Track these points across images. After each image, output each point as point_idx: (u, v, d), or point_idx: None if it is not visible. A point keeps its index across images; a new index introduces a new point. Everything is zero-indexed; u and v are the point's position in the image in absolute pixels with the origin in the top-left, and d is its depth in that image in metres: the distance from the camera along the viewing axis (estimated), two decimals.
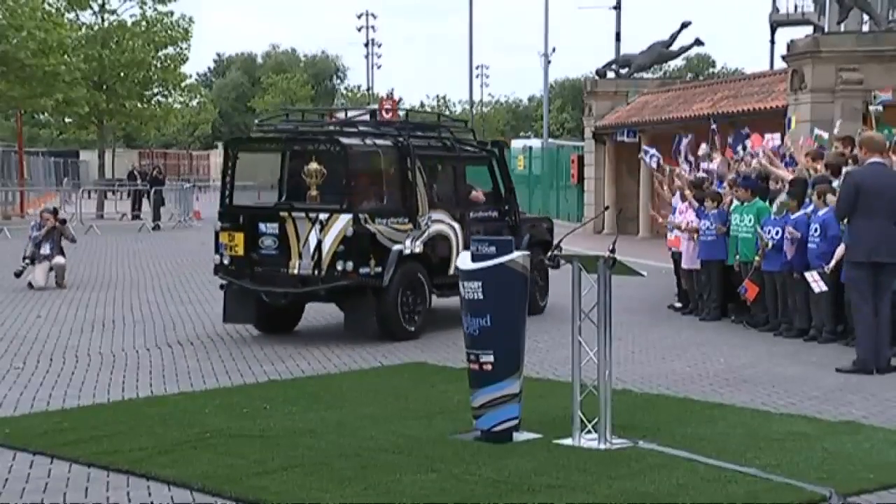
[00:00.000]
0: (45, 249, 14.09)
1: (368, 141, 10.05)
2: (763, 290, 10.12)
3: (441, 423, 6.33)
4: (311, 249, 9.47)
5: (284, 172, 10.65)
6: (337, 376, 8.13)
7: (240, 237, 9.79)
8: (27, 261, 14.07)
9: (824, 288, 9.09)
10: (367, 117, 11.42)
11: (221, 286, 10.12)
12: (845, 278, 8.57)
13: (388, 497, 4.97)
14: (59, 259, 14.13)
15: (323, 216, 9.46)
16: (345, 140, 9.79)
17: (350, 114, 12.18)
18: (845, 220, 8.44)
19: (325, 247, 9.41)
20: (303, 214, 9.55)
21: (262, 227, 9.72)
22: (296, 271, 9.56)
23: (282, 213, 9.70)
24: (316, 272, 9.47)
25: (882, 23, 19.20)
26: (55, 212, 15.12)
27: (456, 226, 10.30)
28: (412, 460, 5.54)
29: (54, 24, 27.29)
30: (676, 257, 11.83)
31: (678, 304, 11.88)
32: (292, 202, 9.93)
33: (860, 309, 8.29)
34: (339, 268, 9.38)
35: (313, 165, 9.63)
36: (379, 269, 9.50)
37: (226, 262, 9.90)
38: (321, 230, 9.44)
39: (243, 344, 9.64)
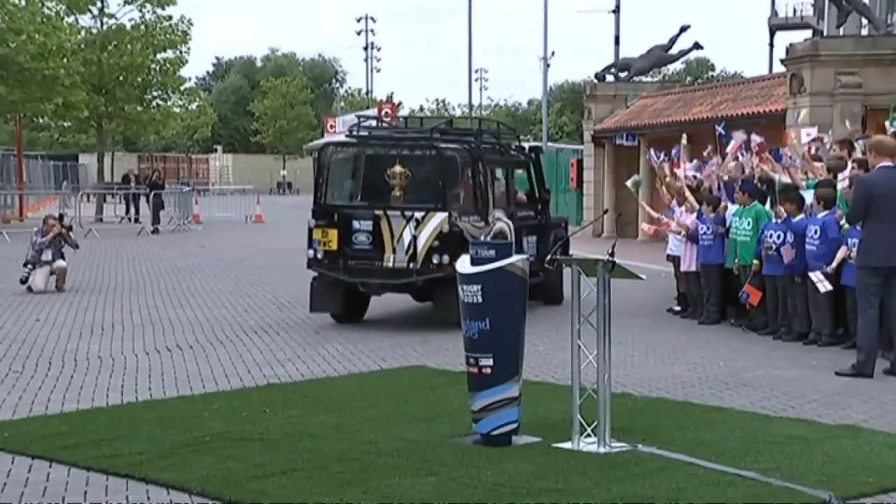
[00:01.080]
0: (47, 255, 14.08)
1: (453, 146, 11.06)
2: (764, 294, 10.13)
3: (440, 427, 6.32)
4: (406, 244, 10.41)
5: (361, 175, 11.37)
6: (336, 380, 8.13)
7: (333, 233, 10.66)
8: (29, 266, 14.04)
9: (829, 287, 9.12)
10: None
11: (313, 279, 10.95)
12: (855, 282, 8.54)
13: (388, 500, 4.96)
14: (59, 262, 14.14)
15: (418, 214, 10.38)
16: (441, 145, 10.84)
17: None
18: (858, 226, 8.42)
19: (421, 242, 10.37)
20: (398, 213, 10.45)
21: (356, 224, 10.62)
22: (390, 264, 10.45)
23: (376, 212, 10.54)
24: (411, 265, 10.40)
25: (881, 27, 19.24)
26: (61, 218, 15.11)
27: (510, 223, 11.05)
28: (411, 464, 5.53)
29: (53, 27, 27.31)
30: (676, 261, 11.83)
31: (677, 308, 11.88)
32: (385, 202, 10.66)
33: (866, 313, 8.27)
34: (435, 261, 10.32)
35: (398, 168, 10.55)
36: None
37: (319, 256, 10.75)
38: (416, 227, 10.39)
39: (242, 348, 9.64)
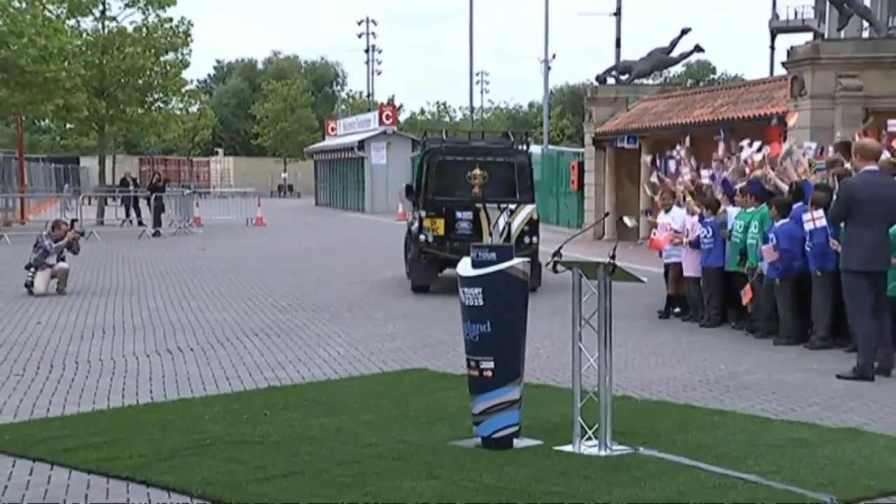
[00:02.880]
0: (52, 259, 14.04)
1: (521, 154, 14.39)
2: (756, 295, 10.19)
3: (441, 430, 6.32)
4: (501, 229, 13.66)
5: (454, 175, 14.12)
6: (337, 382, 8.13)
7: (440, 222, 13.90)
8: (32, 269, 14.00)
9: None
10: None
11: (420, 258, 14.07)
12: (843, 287, 8.56)
13: (388, 503, 4.97)
14: (61, 265, 14.11)
15: (512, 206, 13.81)
16: (517, 153, 14.30)
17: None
18: (841, 226, 8.46)
19: (514, 227, 13.77)
20: (495, 205, 13.80)
21: (458, 214, 13.88)
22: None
23: (476, 205, 13.79)
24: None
25: (882, 30, 19.23)
26: (72, 224, 15.09)
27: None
28: (412, 467, 5.53)
29: (55, 30, 27.31)
30: (668, 267, 11.79)
31: (676, 310, 11.84)
32: (484, 197, 13.89)
33: (858, 317, 8.29)
34: (526, 241, 13.67)
35: (478, 171, 13.87)
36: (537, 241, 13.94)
37: (429, 240, 13.91)
38: (510, 215, 13.76)
39: (243, 350, 9.64)
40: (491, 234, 13.54)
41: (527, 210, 13.86)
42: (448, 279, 12.63)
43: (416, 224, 14.16)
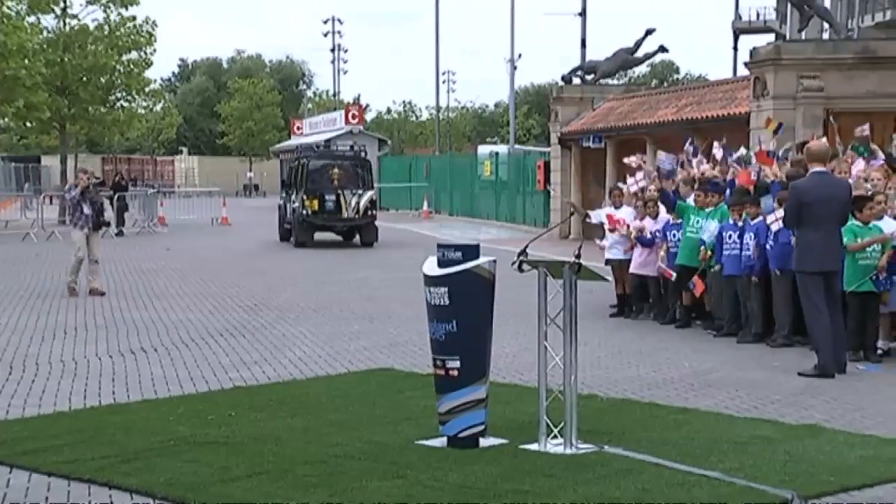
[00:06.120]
0: (87, 209, 13.82)
1: (364, 157, 23.81)
2: (708, 292, 10.34)
3: (407, 429, 6.31)
4: (353, 205, 22.36)
5: (312, 173, 22.70)
6: (303, 382, 8.09)
7: (315, 201, 22.17)
8: (81, 222, 13.81)
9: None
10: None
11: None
12: (798, 287, 8.66)
13: (354, 503, 4.95)
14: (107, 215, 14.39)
15: (359, 191, 22.45)
16: (363, 158, 23.96)
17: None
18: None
19: (361, 204, 22.35)
20: (349, 191, 22.28)
21: (326, 196, 22.10)
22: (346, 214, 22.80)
23: (337, 191, 22.32)
24: (355, 216, 22.97)
25: (841, 31, 19.50)
26: (85, 171, 14.87)
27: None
28: (378, 466, 5.52)
29: (14, 27, 26.94)
30: (614, 264, 11.86)
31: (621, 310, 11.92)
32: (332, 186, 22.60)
33: (814, 316, 8.39)
34: (370, 213, 22.60)
35: (336, 169, 22.72)
36: None
37: (308, 213, 22.17)
38: (358, 197, 22.33)
39: (208, 350, 9.56)
40: (347, 209, 21.93)
41: (368, 193, 22.30)
42: (323, 239, 22.69)
43: (299, 203, 22.04)
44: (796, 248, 8.54)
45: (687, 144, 12.67)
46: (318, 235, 22.62)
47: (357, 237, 22.59)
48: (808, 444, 6.02)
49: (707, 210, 10.60)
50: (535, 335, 6.12)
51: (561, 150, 25.29)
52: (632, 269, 11.53)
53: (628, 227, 11.54)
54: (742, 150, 11.64)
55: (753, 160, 11.02)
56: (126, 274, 16.73)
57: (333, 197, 21.80)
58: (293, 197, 22.71)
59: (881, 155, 10.22)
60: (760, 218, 9.84)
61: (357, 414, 6.79)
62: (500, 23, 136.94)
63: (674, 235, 11.00)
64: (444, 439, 5.99)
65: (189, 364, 8.87)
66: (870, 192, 9.19)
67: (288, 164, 26.18)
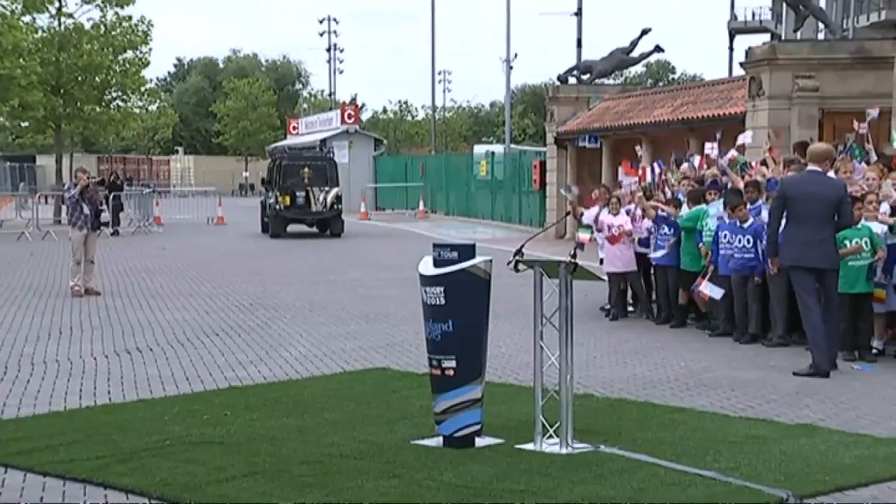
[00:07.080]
0: (86, 209, 13.85)
1: (331, 158, 27.38)
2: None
3: (403, 429, 6.31)
4: (321, 201, 25.45)
5: (285, 172, 26.13)
6: (298, 382, 8.09)
7: (288, 197, 25.33)
8: (80, 222, 13.84)
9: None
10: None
11: None
12: (792, 285, 8.68)
13: (350, 503, 4.94)
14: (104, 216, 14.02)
15: (326, 188, 25.59)
16: (330, 159, 27.37)
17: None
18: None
19: (328, 200, 25.45)
20: (317, 188, 25.55)
21: (297, 193, 25.42)
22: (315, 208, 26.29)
23: (307, 188, 25.57)
24: (324, 210, 26.29)
25: (837, 31, 19.55)
26: (85, 170, 14.85)
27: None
28: (374, 466, 5.52)
29: (9, 26, 26.89)
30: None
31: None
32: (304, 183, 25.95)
33: (806, 314, 8.41)
34: (336, 207, 25.49)
35: (306, 169, 26.02)
36: None
37: (281, 208, 24.90)
38: (326, 194, 25.52)
39: (204, 350, 9.55)
40: (315, 204, 25.25)
41: (335, 190, 25.65)
42: (295, 231, 25.83)
43: (273, 199, 25.49)
44: (781, 243, 8.58)
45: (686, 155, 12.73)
46: (291, 227, 25.96)
47: (328, 230, 26.03)
48: (803, 444, 6.03)
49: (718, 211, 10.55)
50: (531, 335, 6.12)
51: (557, 149, 25.30)
52: (610, 269, 11.56)
53: (622, 228, 11.56)
54: (732, 152, 11.64)
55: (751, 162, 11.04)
56: (121, 273, 16.71)
57: (303, 193, 25.18)
58: (270, 193, 26.23)
59: (874, 157, 10.25)
60: (759, 219, 9.85)
61: (353, 414, 6.79)
62: (496, 22, 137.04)
63: (663, 230, 11.00)
64: (440, 439, 5.99)
65: (185, 364, 8.86)
66: (860, 194, 9.20)
67: (267, 165, 29.55)
